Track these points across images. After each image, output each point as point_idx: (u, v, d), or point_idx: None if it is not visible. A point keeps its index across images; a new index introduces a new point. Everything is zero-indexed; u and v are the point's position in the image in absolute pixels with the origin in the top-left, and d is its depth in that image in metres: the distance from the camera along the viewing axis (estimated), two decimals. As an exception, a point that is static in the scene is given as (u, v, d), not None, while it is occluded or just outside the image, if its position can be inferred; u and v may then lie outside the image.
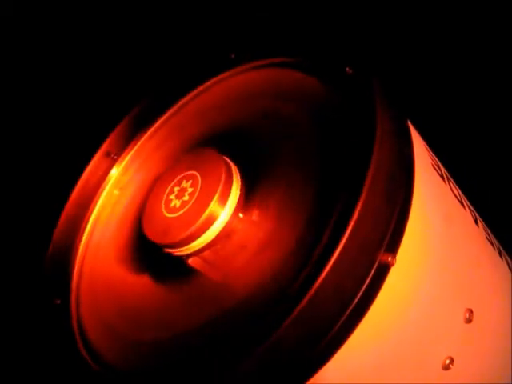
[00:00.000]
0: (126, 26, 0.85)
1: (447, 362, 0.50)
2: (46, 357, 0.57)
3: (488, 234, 0.60)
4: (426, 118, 0.60)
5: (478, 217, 0.60)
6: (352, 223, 0.40)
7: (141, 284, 0.57)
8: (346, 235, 0.40)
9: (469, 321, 0.51)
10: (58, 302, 0.60)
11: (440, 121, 0.78)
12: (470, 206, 0.59)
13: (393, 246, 0.44)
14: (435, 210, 0.50)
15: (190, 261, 0.51)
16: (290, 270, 0.44)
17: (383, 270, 0.43)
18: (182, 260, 0.52)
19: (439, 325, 0.49)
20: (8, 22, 0.82)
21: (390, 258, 0.43)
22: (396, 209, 0.44)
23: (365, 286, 0.42)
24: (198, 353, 0.48)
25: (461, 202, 0.56)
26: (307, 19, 0.57)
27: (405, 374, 0.48)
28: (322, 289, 0.40)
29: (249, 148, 0.55)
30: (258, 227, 0.50)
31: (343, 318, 0.42)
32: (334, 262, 0.40)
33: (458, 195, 0.56)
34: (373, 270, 0.43)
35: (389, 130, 0.45)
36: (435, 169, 0.53)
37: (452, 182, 0.57)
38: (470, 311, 0.51)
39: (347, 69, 0.50)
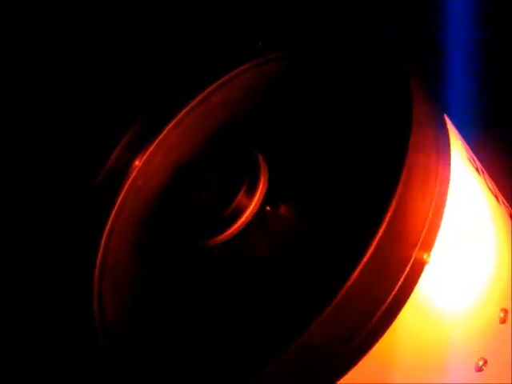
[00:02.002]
0: (146, 18, 0.84)
1: (480, 363, 0.48)
2: (69, 351, 0.57)
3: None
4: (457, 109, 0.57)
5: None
6: (387, 219, 0.39)
7: (165, 274, 0.56)
8: (381, 231, 0.39)
9: (503, 321, 0.50)
10: (80, 293, 0.59)
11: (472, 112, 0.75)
12: (505, 201, 0.57)
13: (428, 243, 0.42)
14: (471, 205, 0.48)
15: (217, 252, 0.50)
16: (321, 266, 0.43)
17: (418, 268, 0.42)
18: (208, 251, 0.51)
19: (473, 325, 0.48)
20: (8, 22, 0.82)
21: (425, 256, 0.41)
22: (432, 204, 0.42)
23: (399, 285, 0.41)
24: (226, 349, 0.47)
25: (496, 197, 0.54)
26: (336, 7, 0.56)
27: (437, 374, 0.46)
28: (354, 287, 0.38)
29: (277, 139, 0.53)
30: (286, 220, 0.49)
31: (376, 317, 0.41)
32: (368, 260, 0.38)
33: (492, 189, 0.54)
34: (407, 268, 0.41)
35: (426, 122, 0.43)
36: (471, 162, 0.51)
37: (487, 176, 0.55)
38: (505, 311, 0.50)
39: (379, 56, 0.49)
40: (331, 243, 0.44)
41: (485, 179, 0.53)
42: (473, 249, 0.47)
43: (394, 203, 0.39)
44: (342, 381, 0.41)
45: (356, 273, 0.38)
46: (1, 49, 0.81)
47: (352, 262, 0.39)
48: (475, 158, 0.54)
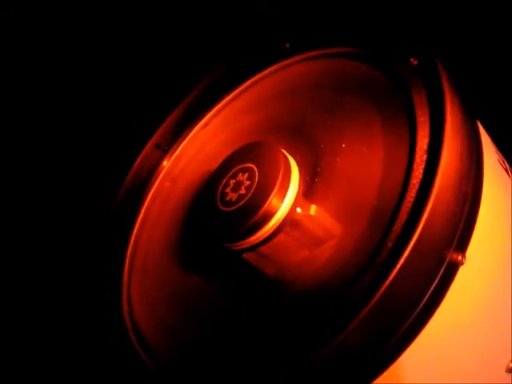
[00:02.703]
0: (169, 13, 0.84)
1: (511, 365, 0.48)
2: (98, 351, 0.57)
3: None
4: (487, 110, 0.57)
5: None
6: (423, 220, 0.39)
7: (193, 278, 0.56)
8: (417, 233, 0.39)
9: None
10: (109, 294, 0.59)
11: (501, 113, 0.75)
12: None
13: (463, 244, 0.42)
14: (503, 206, 0.48)
15: (245, 255, 0.50)
16: (353, 269, 0.43)
17: (452, 269, 0.42)
18: (236, 254, 0.51)
19: (506, 326, 0.47)
20: (8, 22, 0.82)
21: (460, 257, 0.41)
22: (466, 204, 0.42)
23: (433, 286, 0.41)
24: (251, 352, 0.47)
25: (525, 198, 0.54)
26: (367, 6, 0.56)
27: (469, 375, 0.46)
28: (390, 289, 0.39)
29: (307, 140, 0.53)
30: (317, 223, 0.48)
31: (411, 319, 0.41)
32: (404, 262, 0.39)
33: (522, 191, 0.54)
34: (442, 270, 0.41)
35: (458, 123, 0.43)
36: (501, 164, 0.51)
37: (516, 177, 0.55)
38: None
39: (411, 59, 0.48)
40: (365, 244, 0.44)
41: (514, 181, 0.53)
42: (506, 249, 0.47)
43: (429, 205, 0.39)
44: (377, 381, 0.42)
45: (393, 274, 0.38)
46: (1, 49, 0.81)
47: (388, 264, 0.39)
48: (504, 159, 0.54)
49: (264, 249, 0.49)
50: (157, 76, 0.81)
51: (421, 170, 0.42)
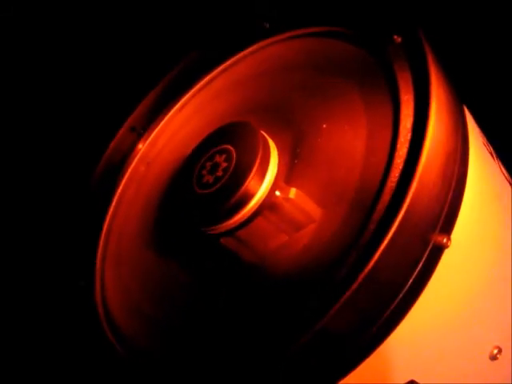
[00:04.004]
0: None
1: (495, 351, 0.47)
2: (72, 340, 0.55)
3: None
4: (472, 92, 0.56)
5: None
6: (407, 201, 0.37)
7: (168, 264, 0.55)
8: (400, 215, 0.37)
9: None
10: (83, 283, 0.57)
11: (486, 96, 0.74)
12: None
13: (447, 227, 0.41)
14: (489, 189, 0.47)
15: (223, 240, 0.48)
16: (335, 252, 0.41)
17: (437, 252, 0.41)
18: (213, 239, 0.49)
19: (490, 311, 0.47)
20: (8, 22, 0.80)
21: (444, 240, 0.40)
22: (451, 186, 0.41)
23: (418, 270, 0.40)
24: (228, 339, 0.46)
25: (509, 182, 0.53)
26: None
27: (453, 359, 0.46)
28: (372, 271, 0.37)
29: (287, 121, 0.51)
30: (297, 206, 0.47)
31: (394, 304, 0.39)
32: (387, 245, 0.37)
33: (505, 174, 0.53)
34: (426, 252, 0.40)
35: (443, 102, 0.41)
36: (486, 146, 0.50)
37: (499, 161, 0.53)
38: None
39: (395, 36, 0.47)
40: (346, 227, 0.42)
41: (498, 164, 0.52)
42: (491, 232, 0.46)
43: (413, 185, 0.38)
44: (359, 367, 0.40)
45: (376, 256, 0.37)
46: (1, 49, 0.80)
47: (370, 247, 0.38)
48: (488, 142, 0.53)
49: (242, 233, 0.48)
50: (132, 58, 0.79)
51: (405, 150, 0.41)
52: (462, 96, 0.48)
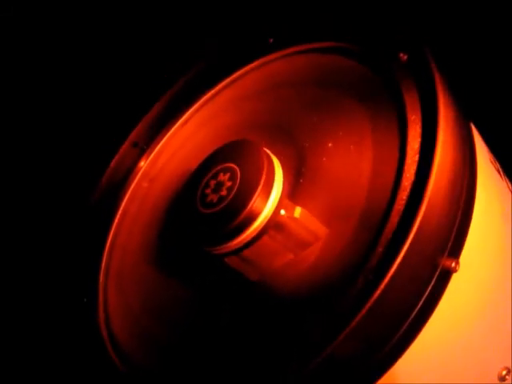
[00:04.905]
0: (153, 11, 0.82)
1: (504, 372, 0.47)
2: (74, 357, 0.55)
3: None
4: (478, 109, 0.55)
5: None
6: (415, 225, 0.37)
7: (171, 282, 0.54)
8: (409, 238, 0.37)
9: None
10: (85, 300, 0.57)
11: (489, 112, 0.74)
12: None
13: (456, 251, 0.40)
14: (496, 210, 0.46)
15: (227, 259, 0.48)
16: (339, 274, 0.41)
17: (445, 276, 0.40)
18: (217, 258, 0.49)
19: (499, 333, 0.46)
20: (8, 22, 0.80)
21: (453, 264, 0.40)
22: (459, 208, 0.41)
23: (426, 294, 0.39)
24: (230, 360, 0.45)
25: (517, 199, 0.52)
26: (353, 1, 0.53)
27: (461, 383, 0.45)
28: (381, 297, 0.37)
29: (292, 139, 0.51)
30: (302, 225, 0.46)
31: (402, 329, 0.39)
32: (395, 269, 0.36)
33: (513, 191, 0.52)
34: (435, 277, 0.39)
35: (452, 123, 0.41)
36: (493, 164, 0.49)
37: (507, 179, 0.53)
38: (529, 318, 0.48)
39: (401, 54, 0.46)
40: (353, 250, 0.42)
41: (506, 181, 0.51)
42: (500, 255, 0.45)
43: (423, 207, 0.37)
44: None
45: (384, 282, 0.36)
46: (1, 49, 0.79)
47: (379, 272, 0.37)
48: (495, 159, 0.52)
49: (246, 253, 0.47)
50: (135, 73, 0.79)
51: (412, 172, 0.40)
52: (469, 111, 0.48)
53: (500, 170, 0.52)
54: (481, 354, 0.45)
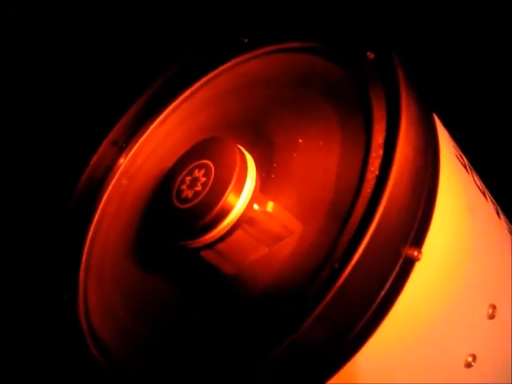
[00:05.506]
0: (131, 14, 0.84)
1: (469, 359, 0.48)
2: (55, 353, 0.56)
3: (509, 227, 0.58)
4: (446, 105, 0.57)
5: (499, 209, 0.58)
6: (377, 215, 0.38)
7: (150, 278, 0.55)
8: (372, 228, 0.38)
9: (492, 317, 0.49)
10: (66, 296, 0.58)
11: (447, 102, 0.75)
12: (492, 198, 0.57)
13: (418, 240, 0.42)
14: (460, 202, 0.48)
15: (203, 253, 0.49)
16: (311, 266, 0.42)
17: (408, 265, 0.42)
18: (194, 253, 0.50)
19: (463, 321, 0.47)
20: (8, 22, 0.81)
21: (415, 253, 0.41)
22: (421, 201, 0.42)
23: (389, 283, 0.41)
24: (205, 351, 0.46)
25: (483, 194, 0.54)
26: (324, 2, 0.55)
27: (427, 371, 0.46)
28: (345, 285, 0.38)
29: (264, 136, 0.52)
30: (274, 219, 0.47)
31: (367, 315, 0.40)
32: (359, 257, 0.38)
33: (480, 187, 0.54)
34: (398, 266, 0.41)
35: (414, 118, 0.43)
36: (459, 159, 0.51)
37: (474, 173, 0.55)
38: (494, 307, 0.49)
39: (368, 53, 0.48)
40: (321, 240, 0.43)
41: (472, 176, 0.53)
42: (462, 245, 0.47)
43: (384, 199, 0.39)
44: (333, 379, 0.41)
45: (348, 269, 0.38)
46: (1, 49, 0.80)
47: (343, 260, 0.39)
48: (462, 154, 0.54)
49: (221, 246, 0.48)
50: (113, 72, 0.80)
51: (377, 165, 0.42)
52: (433, 105, 0.50)
53: (467, 165, 0.53)
54: (445, 342, 0.46)
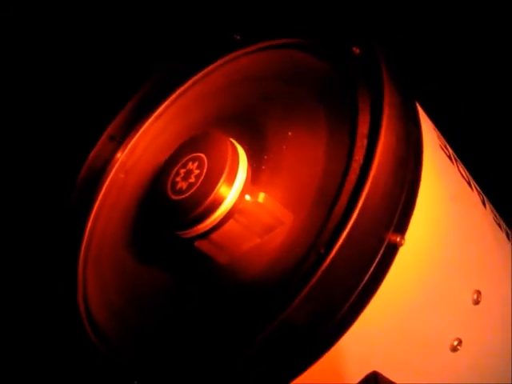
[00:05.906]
0: (129, 12, 0.85)
1: (455, 343, 0.50)
2: (54, 339, 0.57)
3: (495, 216, 0.60)
4: (433, 98, 0.59)
5: (486, 199, 0.60)
6: (360, 202, 0.40)
7: (146, 266, 0.57)
8: (355, 215, 0.40)
9: (476, 302, 0.51)
10: (65, 282, 0.59)
11: (447, 102, 0.77)
12: (478, 188, 0.59)
13: (402, 226, 0.43)
14: (443, 191, 0.49)
15: (197, 243, 0.51)
16: (300, 254, 0.44)
17: (392, 250, 0.43)
18: (188, 242, 0.52)
19: (447, 306, 0.49)
20: (8, 22, 0.82)
21: (398, 239, 0.43)
22: (404, 189, 0.44)
23: (373, 267, 0.42)
24: (198, 336, 0.48)
25: (468, 183, 0.55)
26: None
27: (413, 355, 0.48)
28: (330, 268, 0.40)
29: (255, 130, 0.54)
30: (266, 210, 0.49)
31: (351, 299, 0.42)
32: (343, 243, 0.40)
33: (465, 176, 0.56)
34: (381, 251, 0.42)
35: (397, 110, 0.44)
36: (443, 149, 0.52)
37: (459, 163, 0.56)
38: (478, 292, 0.51)
39: (354, 48, 0.50)
40: (308, 227, 0.45)
41: (457, 166, 0.55)
42: (446, 232, 0.48)
43: (367, 187, 0.40)
44: (321, 360, 0.43)
45: (333, 253, 0.39)
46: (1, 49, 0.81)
47: (328, 245, 0.40)
48: (447, 145, 0.56)
49: (214, 236, 0.50)
50: (111, 68, 0.81)
51: (361, 155, 0.43)
52: (441, 107, 0.51)
53: (452, 155, 0.55)
54: (431, 326, 0.48)
